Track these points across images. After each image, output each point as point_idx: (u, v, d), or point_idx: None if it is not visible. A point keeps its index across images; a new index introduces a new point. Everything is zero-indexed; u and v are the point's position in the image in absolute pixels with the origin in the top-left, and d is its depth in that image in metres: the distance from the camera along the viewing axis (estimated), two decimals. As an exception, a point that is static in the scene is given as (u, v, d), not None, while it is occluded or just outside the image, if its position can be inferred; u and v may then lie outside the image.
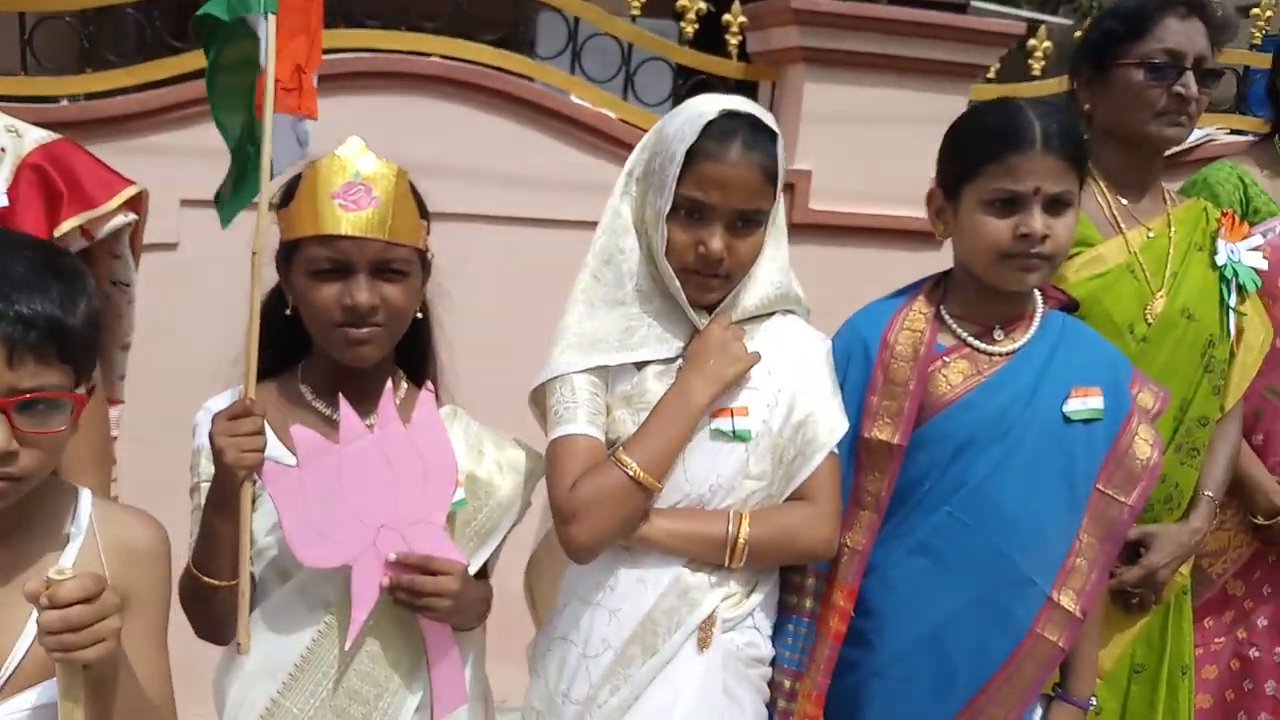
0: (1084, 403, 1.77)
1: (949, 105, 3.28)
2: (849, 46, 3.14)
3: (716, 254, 1.63)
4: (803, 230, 3.27)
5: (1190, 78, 2.04)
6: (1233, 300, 2.14)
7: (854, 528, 1.78)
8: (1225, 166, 2.47)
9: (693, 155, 1.60)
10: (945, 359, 1.79)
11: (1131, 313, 2.07)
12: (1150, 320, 2.07)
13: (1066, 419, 1.76)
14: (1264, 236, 2.35)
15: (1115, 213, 2.13)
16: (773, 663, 1.79)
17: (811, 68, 3.18)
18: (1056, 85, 3.60)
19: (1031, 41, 3.43)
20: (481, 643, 1.80)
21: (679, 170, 1.61)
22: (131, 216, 1.80)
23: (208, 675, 1.72)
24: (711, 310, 1.72)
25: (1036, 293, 1.87)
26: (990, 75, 3.53)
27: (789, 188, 3.24)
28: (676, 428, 1.64)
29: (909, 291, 1.88)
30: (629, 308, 1.71)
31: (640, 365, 1.71)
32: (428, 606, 1.58)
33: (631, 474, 1.61)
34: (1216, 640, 2.45)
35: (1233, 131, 3.91)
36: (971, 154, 1.75)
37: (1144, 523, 2.11)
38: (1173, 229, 2.15)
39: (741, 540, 1.66)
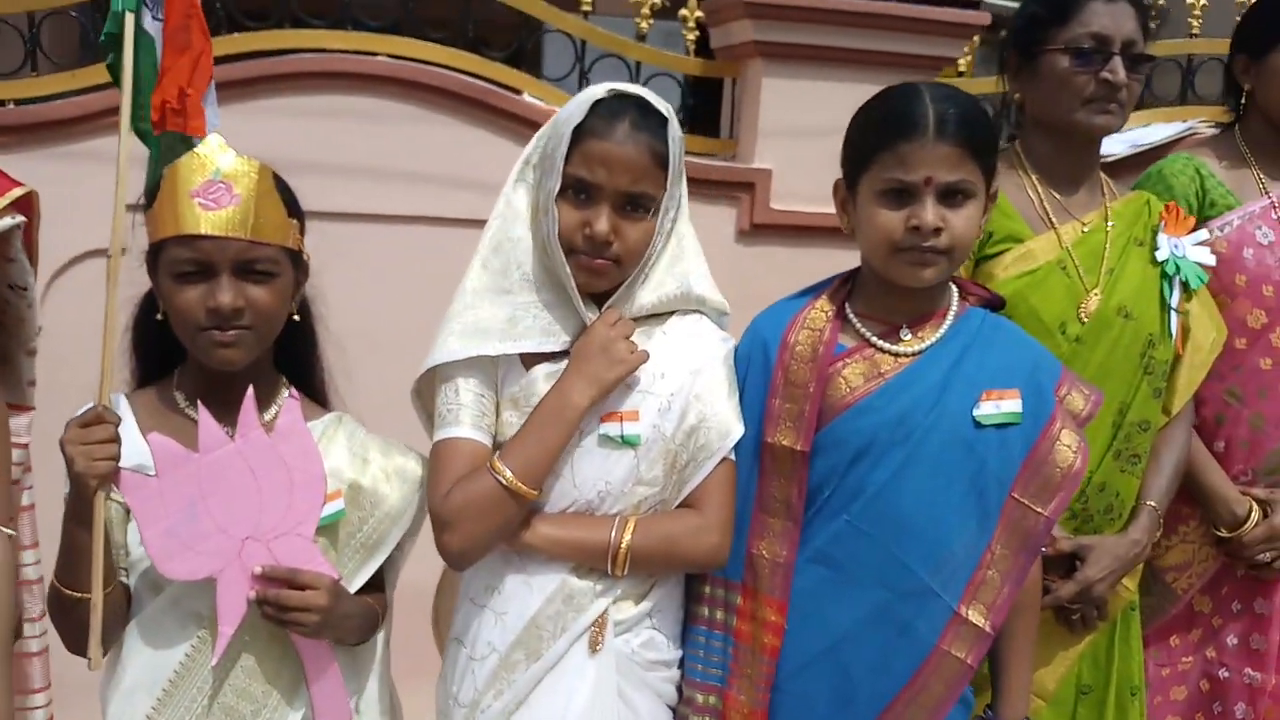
0: (997, 406, 1.68)
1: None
2: (806, 40, 3.05)
3: (602, 235, 1.58)
4: (764, 231, 3.20)
5: (1118, 63, 1.94)
6: (1174, 298, 2.04)
7: (766, 537, 1.70)
8: (1181, 158, 2.35)
9: (580, 134, 1.57)
10: (846, 360, 1.71)
11: (1063, 311, 1.97)
12: (1084, 319, 1.97)
13: (977, 423, 1.67)
14: (1221, 231, 2.25)
15: (1047, 206, 2.04)
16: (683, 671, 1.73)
17: (769, 63, 3.10)
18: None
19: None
20: (382, 656, 1.75)
21: (566, 149, 1.57)
22: (20, 218, 1.76)
23: (86, 686, 1.68)
24: (604, 304, 1.66)
25: (952, 289, 1.78)
26: (962, 68, 3.43)
27: (748, 187, 3.17)
28: (553, 432, 1.58)
29: (816, 289, 1.80)
30: (515, 296, 1.65)
31: (530, 365, 1.65)
32: (295, 621, 1.53)
33: (504, 482, 1.55)
34: (1184, 660, 2.34)
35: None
36: (865, 143, 1.67)
37: (1084, 534, 2.01)
38: (1110, 223, 2.05)
39: (624, 548, 1.60)
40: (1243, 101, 2.38)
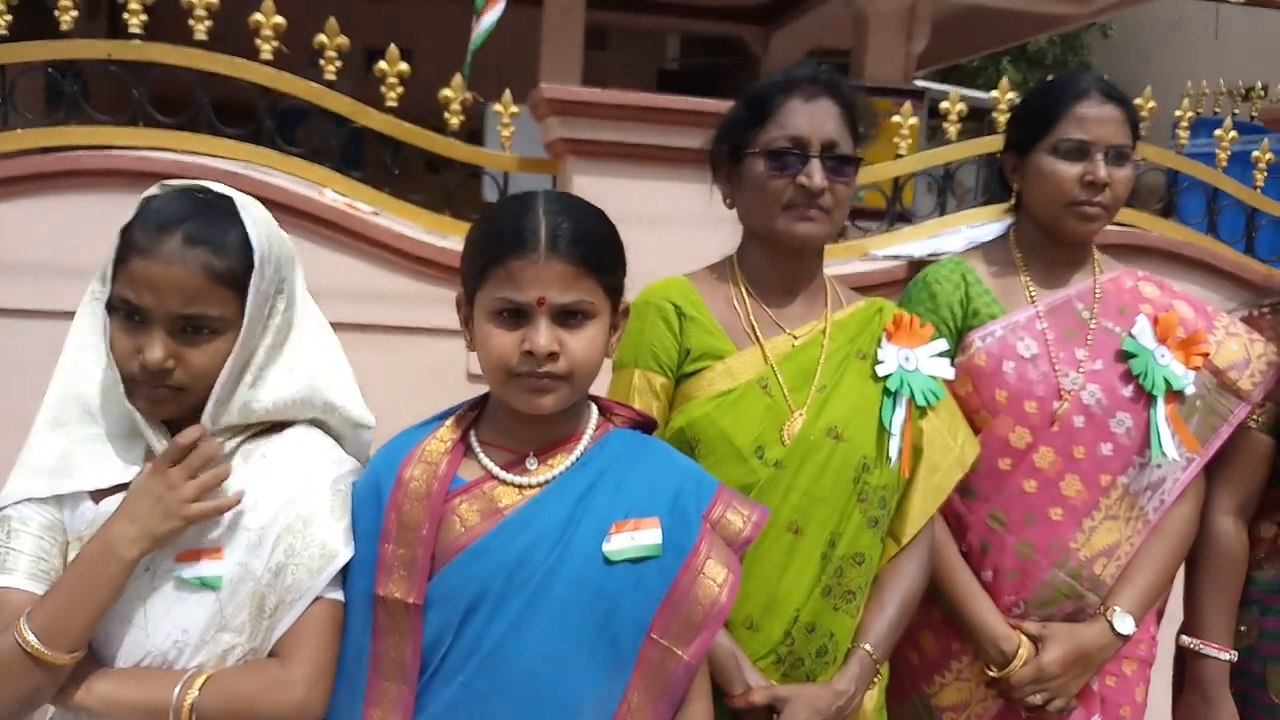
0: (631, 539, 1.50)
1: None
2: (614, 137, 2.94)
3: (155, 363, 1.42)
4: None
5: (815, 166, 1.79)
6: (896, 417, 1.86)
7: (381, 704, 1.49)
8: (950, 263, 2.20)
9: (126, 244, 1.42)
10: (463, 496, 1.53)
11: (761, 434, 1.80)
12: (787, 442, 1.80)
13: (607, 560, 1.50)
14: (982, 342, 2.09)
15: (754, 320, 1.88)
16: None
17: (579, 160, 2.99)
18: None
19: (896, 119, 3.21)
20: None
21: (114, 263, 1.43)
22: None
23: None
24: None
25: (592, 411, 1.62)
26: (903, 150, 3.31)
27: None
28: (92, 589, 1.40)
29: (444, 415, 1.64)
30: (72, 429, 1.50)
31: (100, 499, 1.50)
32: None
33: (23, 645, 1.37)
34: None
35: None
36: (479, 257, 1.53)
37: (795, 680, 1.81)
38: (828, 336, 1.89)
39: (187, 707, 1.41)
40: (1014, 203, 2.24)
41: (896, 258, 3.22)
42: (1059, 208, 2.08)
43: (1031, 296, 2.14)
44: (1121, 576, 2.07)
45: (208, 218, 1.45)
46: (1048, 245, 2.16)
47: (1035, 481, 2.06)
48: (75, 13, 2.83)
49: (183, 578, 1.47)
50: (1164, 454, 2.02)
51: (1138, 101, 3.38)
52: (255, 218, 1.51)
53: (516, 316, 1.48)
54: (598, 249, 1.51)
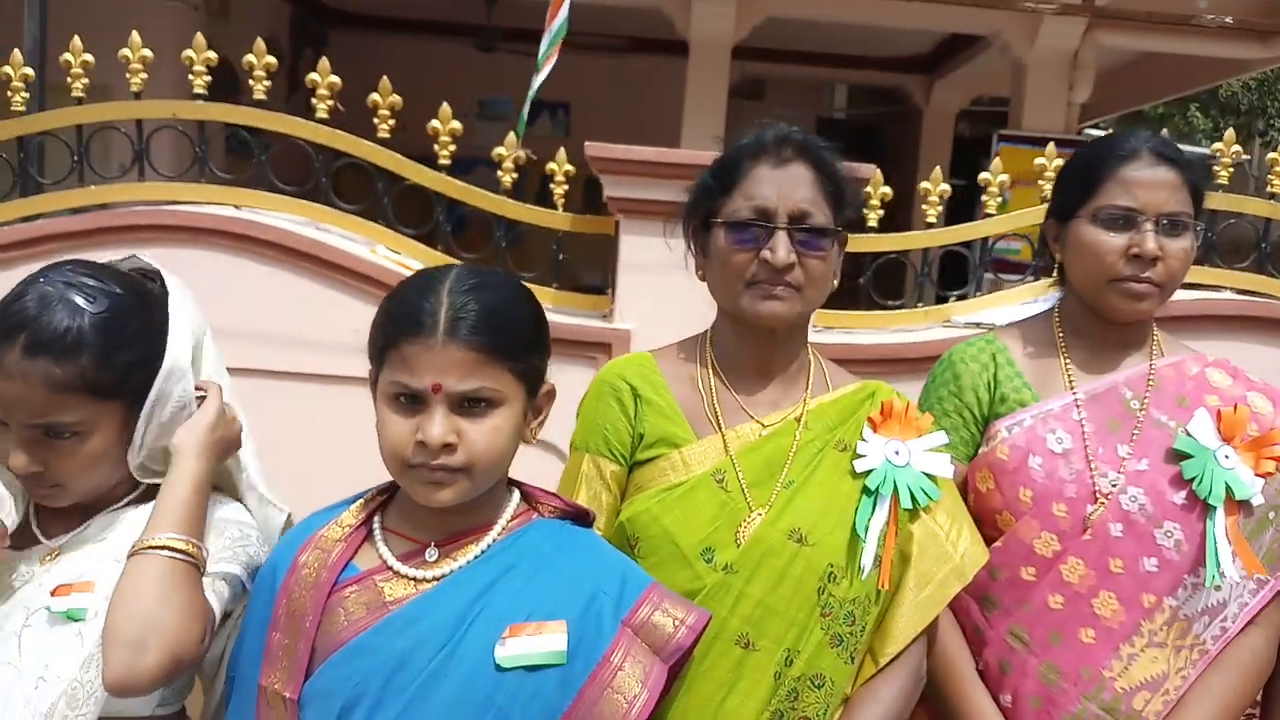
0: (528, 644, 1.34)
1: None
2: (660, 196, 2.80)
3: (21, 469, 1.41)
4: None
5: (780, 239, 1.60)
6: (875, 519, 1.62)
7: None
8: (980, 341, 1.95)
9: None
10: (353, 586, 1.41)
11: (711, 535, 1.59)
12: (742, 543, 1.60)
13: (499, 666, 1.34)
14: (1008, 432, 1.84)
15: (718, 404, 1.69)
16: None
17: (627, 220, 2.87)
18: (956, 233, 3.11)
19: (870, 188, 2.96)
20: None
21: None
22: None
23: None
24: None
25: (512, 500, 1.48)
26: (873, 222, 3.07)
27: (605, 348, 2.91)
28: None
29: (355, 498, 1.53)
30: None
31: None
32: None
33: None
34: None
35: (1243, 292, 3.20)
36: (378, 337, 1.42)
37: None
38: (803, 425, 1.68)
39: None
40: (1056, 275, 1.97)
41: (978, 325, 2.94)
42: (1101, 283, 1.81)
43: (1070, 382, 1.86)
44: (1172, 715, 1.76)
45: (49, 319, 1.38)
46: (1094, 324, 1.88)
47: (1062, 596, 1.77)
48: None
49: (53, 610, 1.43)
50: (1222, 574, 1.71)
51: None
52: (180, 318, 1.47)
53: (413, 403, 1.36)
54: (506, 333, 1.38)
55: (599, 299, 3.07)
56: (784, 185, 1.62)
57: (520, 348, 1.40)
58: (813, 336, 2.96)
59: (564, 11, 2.98)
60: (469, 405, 1.36)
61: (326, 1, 9.52)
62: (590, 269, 3.74)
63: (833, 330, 3.04)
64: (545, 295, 3.03)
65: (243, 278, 2.86)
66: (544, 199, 3.02)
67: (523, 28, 9.14)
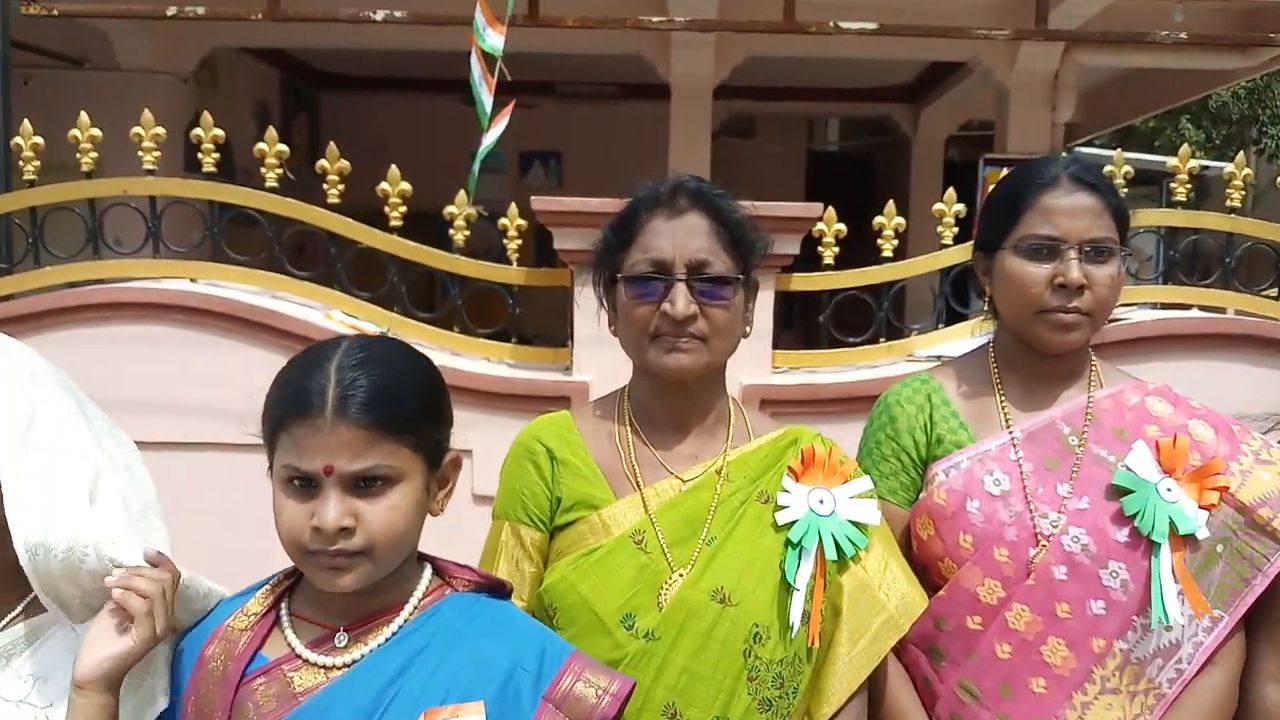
0: None
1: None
2: (609, 246, 2.79)
3: None
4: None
5: (679, 291, 1.56)
6: (801, 574, 1.57)
7: None
8: (917, 381, 1.90)
9: None
10: (262, 677, 1.37)
11: (631, 600, 1.54)
12: (664, 607, 1.55)
13: None
14: (945, 475, 1.78)
15: (636, 461, 1.65)
16: None
17: (580, 270, 2.85)
18: (914, 266, 3.06)
19: (820, 226, 2.93)
20: None
21: None
22: None
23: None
24: None
25: (423, 577, 1.43)
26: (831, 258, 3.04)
27: (563, 401, 2.88)
28: None
29: (262, 584, 1.48)
30: None
31: None
32: None
33: None
34: None
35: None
36: (268, 420, 1.37)
37: None
38: (724, 476, 1.63)
39: None
40: (987, 309, 1.93)
41: (939, 358, 2.89)
42: (1029, 315, 1.76)
43: (1007, 420, 1.81)
44: None
45: None
46: (1027, 358, 1.82)
47: (1010, 645, 1.71)
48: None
49: None
50: (1166, 616, 1.64)
51: None
52: None
53: (306, 486, 1.32)
54: (398, 407, 1.33)
55: (559, 352, 3.05)
56: (680, 236, 1.59)
57: (415, 421, 1.36)
58: (773, 378, 2.97)
59: (482, 70, 2.97)
60: (365, 485, 1.31)
61: (316, 66, 9.63)
62: (557, 321, 3.72)
63: (795, 371, 3.00)
64: (504, 350, 3.02)
65: (199, 351, 2.85)
66: (544, 253, 2.97)
67: (510, 80, 9.27)
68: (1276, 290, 3.13)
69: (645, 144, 8.07)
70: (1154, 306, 3.12)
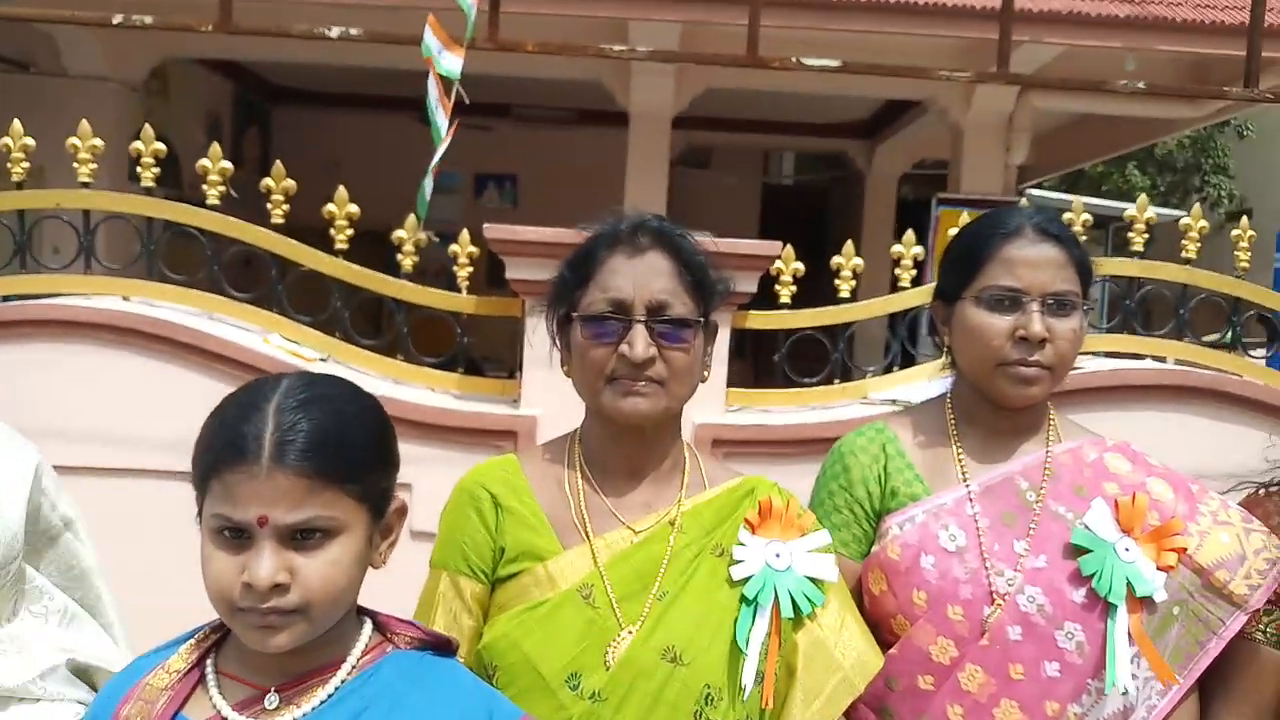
0: None
1: (708, 339, 2.79)
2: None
3: None
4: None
5: (638, 333, 1.50)
6: (755, 632, 1.51)
7: None
8: (872, 429, 1.85)
9: None
10: None
11: (577, 658, 1.46)
12: (611, 667, 1.48)
13: None
14: (900, 529, 1.73)
15: (585, 511, 1.57)
16: None
17: (532, 301, 2.78)
18: (871, 308, 3.04)
19: (778, 264, 2.89)
20: None
21: None
22: None
23: None
24: None
25: (363, 634, 1.34)
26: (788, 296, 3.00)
27: (510, 435, 2.80)
28: None
29: (187, 636, 1.38)
30: None
31: None
32: None
33: None
34: None
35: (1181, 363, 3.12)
36: (198, 464, 1.27)
37: None
38: (678, 528, 1.57)
39: None
40: (946, 359, 1.89)
41: (894, 401, 2.86)
42: (989, 367, 1.72)
43: (964, 473, 1.76)
44: None
45: None
46: (986, 410, 1.78)
47: (962, 707, 1.65)
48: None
49: None
50: (1117, 681, 1.60)
51: None
52: None
53: (238, 537, 1.21)
54: (342, 454, 1.24)
55: (507, 384, 2.97)
56: (640, 276, 1.53)
57: (360, 468, 1.26)
58: (726, 418, 2.91)
59: (439, 93, 2.91)
60: (302, 537, 1.21)
61: (270, 79, 9.49)
62: (506, 350, 3.64)
63: (748, 410, 2.95)
64: (449, 380, 2.93)
65: (128, 374, 2.73)
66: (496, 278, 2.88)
67: (467, 102, 9.20)
68: (1231, 342, 3.15)
69: (602, 170, 8.06)
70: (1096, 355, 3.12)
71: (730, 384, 2.94)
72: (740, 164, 10.91)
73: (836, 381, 3.02)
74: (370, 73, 7.43)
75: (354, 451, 1.26)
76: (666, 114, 7.25)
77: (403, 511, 1.36)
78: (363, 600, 1.35)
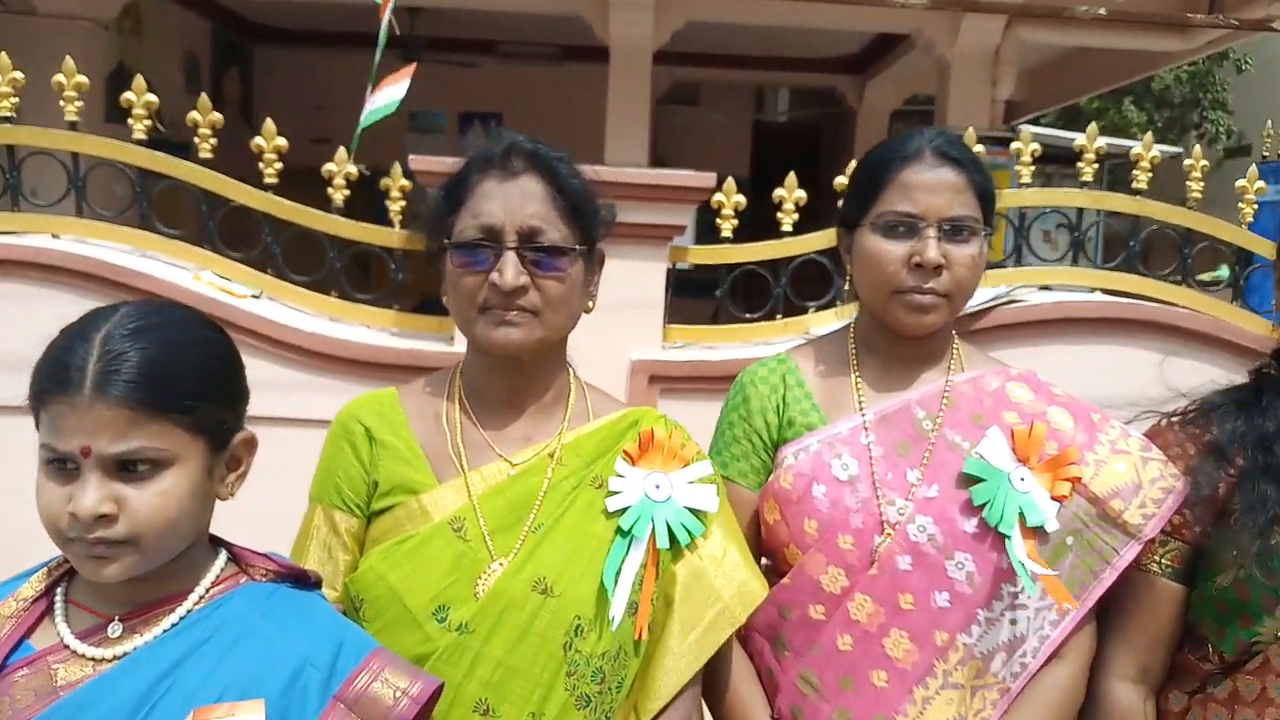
0: None
1: (642, 271, 2.75)
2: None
3: None
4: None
5: (508, 260, 1.45)
6: (628, 564, 1.49)
7: None
8: (771, 362, 1.81)
9: None
10: (25, 669, 1.25)
11: (445, 591, 1.44)
12: (480, 598, 1.46)
13: None
14: (794, 458, 1.70)
15: (462, 443, 1.55)
16: None
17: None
18: (812, 241, 2.98)
19: (718, 197, 2.83)
20: None
21: None
22: None
23: None
24: None
25: (216, 563, 1.33)
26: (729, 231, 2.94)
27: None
28: None
29: (42, 566, 1.37)
30: None
31: None
32: None
33: None
34: None
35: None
36: (31, 395, 1.24)
37: None
38: (557, 460, 1.54)
39: None
40: (848, 288, 1.85)
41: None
42: (885, 295, 1.68)
43: (861, 402, 1.73)
44: None
45: None
46: (885, 339, 1.75)
47: (851, 637, 1.64)
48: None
49: None
50: (1034, 586, 1.58)
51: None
52: None
53: (66, 468, 1.20)
54: (169, 383, 1.21)
55: (444, 320, 2.93)
56: (512, 200, 1.48)
57: (191, 398, 1.24)
58: (664, 354, 2.87)
59: (388, 14, 2.83)
60: (129, 468, 1.20)
61: (249, 17, 9.33)
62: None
63: (689, 346, 2.91)
64: (385, 318, 2.90)
65: (54, 311, 2.69)
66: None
67: (449, 37, 9.05)
68: (1181, 275, 3.09)
69: (587, 106, 7.92)
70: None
71: (671, 324, 2.89)
72: (730, 101, 10.75)
73: (779, 317, 2.97)
74: (352, 9, 7.28)
75: (184, 381, 1.24)
76: (647, 48, 7.10)
77: (251, 444, 1.34)
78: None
